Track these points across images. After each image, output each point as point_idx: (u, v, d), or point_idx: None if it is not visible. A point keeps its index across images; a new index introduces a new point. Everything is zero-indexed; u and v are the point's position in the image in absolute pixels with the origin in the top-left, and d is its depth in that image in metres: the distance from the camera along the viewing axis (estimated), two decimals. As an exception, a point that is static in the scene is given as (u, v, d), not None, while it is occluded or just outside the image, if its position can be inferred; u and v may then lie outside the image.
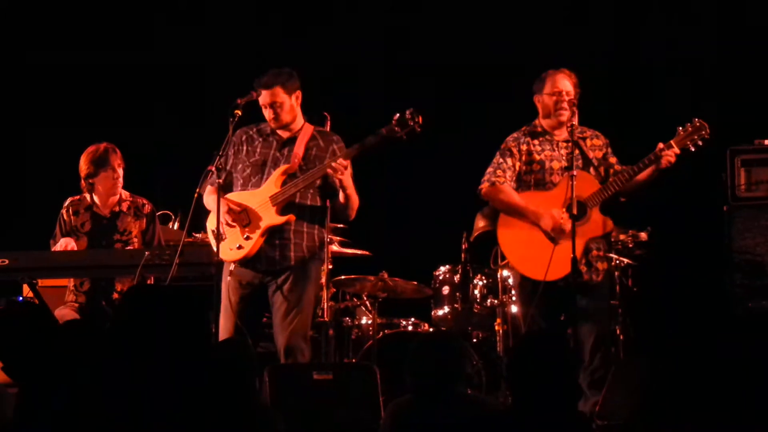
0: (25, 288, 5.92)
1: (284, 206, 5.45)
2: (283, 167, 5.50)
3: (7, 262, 5.39)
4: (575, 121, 5.55)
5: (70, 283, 5.96)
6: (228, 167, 5.57)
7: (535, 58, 6.80)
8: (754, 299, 6.47)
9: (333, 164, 5.37)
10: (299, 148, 5.53)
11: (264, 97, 5.53)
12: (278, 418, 3.89)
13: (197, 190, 5.33)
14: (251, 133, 5.64)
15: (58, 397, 2.84)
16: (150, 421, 2.48)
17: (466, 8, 8.10)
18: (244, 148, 5.61)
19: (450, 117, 7.90)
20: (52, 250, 5.89)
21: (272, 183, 5.47)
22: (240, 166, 5.60)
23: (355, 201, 5.52)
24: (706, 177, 6.93)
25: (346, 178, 5.41)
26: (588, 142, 5.70)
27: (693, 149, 5.55)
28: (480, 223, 6.82)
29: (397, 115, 5.40)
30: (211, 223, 5.51)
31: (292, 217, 5.44)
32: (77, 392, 2.60)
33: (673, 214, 7.23)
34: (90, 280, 5.88)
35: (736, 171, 6.63)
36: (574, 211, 5.34)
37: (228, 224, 5.39)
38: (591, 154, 5.68)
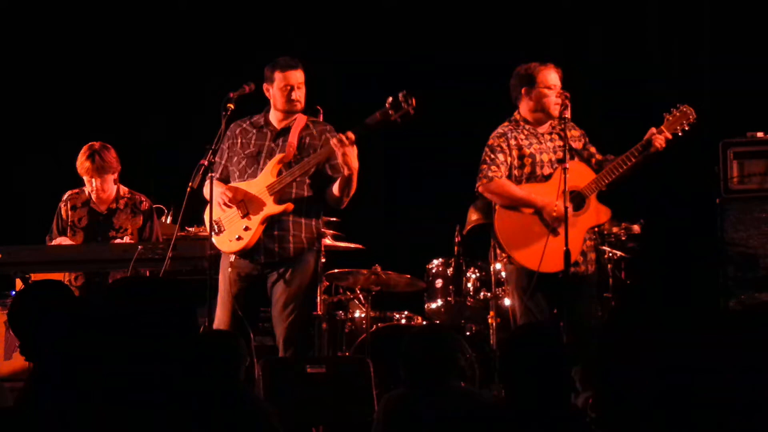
0: (18, 282, 5.91)
1: (281, 195, 5.42)
2: (278, 156, 5.47)
3: (0, 255, 5.38)
4: (567, 114, 5.54)
5: (64, 277, 5.95)
6: (224, 161, 5.57)
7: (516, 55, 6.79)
8: (746, 291, 6.49)
9: (339, 137, 5.25)
10: (293, 138, 5.49)
11: (294, 77, 5.47)
12: (272, 412, 3.91)
13: (190, 184, 5.30)
14: (245, 125, 5.62)
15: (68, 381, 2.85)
16: (138, 413, 2.48)
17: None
18: (239, 140, 5.58)
19: (443, 111, 7.89)
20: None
21: (268, 173, 5.45)
22: (235, 158, 5.58)
23: (353, 186, 5.42)
24: (699, 169, 6.94)
25: (351, 153, 5.28)
26: (568, 133, 5.64)
27: (681, 134, 5.55)
28: (473, 216, 6.83)
29: (390, 98, 5.28)
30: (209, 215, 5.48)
31: (290, 205, 5.41)
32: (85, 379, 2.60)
33: (665, 207, 7.24)
34: (84, 274, 5.88)
35: (728, 163, 6.65)
36: (566, 204, 5.34)
37: (226, 204, 5.36)
38: (573, 145, 5.67)
